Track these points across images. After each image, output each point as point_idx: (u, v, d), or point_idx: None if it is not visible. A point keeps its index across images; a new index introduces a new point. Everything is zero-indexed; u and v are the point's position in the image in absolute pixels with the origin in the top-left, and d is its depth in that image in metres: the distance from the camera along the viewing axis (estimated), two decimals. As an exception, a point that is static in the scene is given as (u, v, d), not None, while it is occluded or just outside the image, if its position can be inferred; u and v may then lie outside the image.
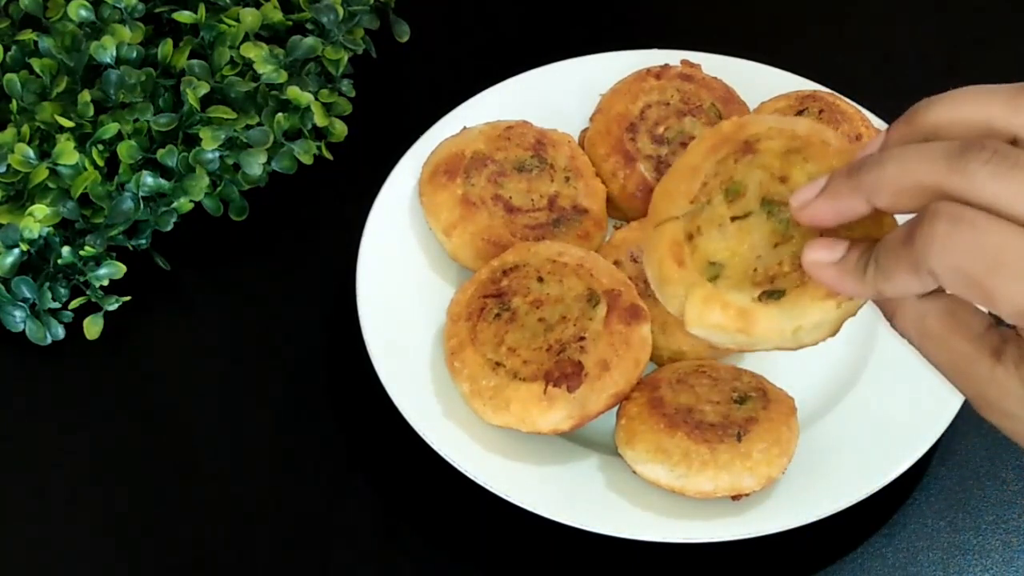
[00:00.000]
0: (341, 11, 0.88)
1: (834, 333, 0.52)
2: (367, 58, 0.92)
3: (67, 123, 0.80)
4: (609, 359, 0.70)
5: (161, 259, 0.83)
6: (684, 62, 0.86)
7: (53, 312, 0.79)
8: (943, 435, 0.72)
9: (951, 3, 1.01)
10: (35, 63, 0.83)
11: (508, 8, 1.00)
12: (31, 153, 0.79)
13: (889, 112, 0.84)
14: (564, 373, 0.69)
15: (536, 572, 0.72)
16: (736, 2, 1.02)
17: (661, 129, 0.83)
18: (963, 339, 0.47)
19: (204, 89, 0.82)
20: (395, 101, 0.93)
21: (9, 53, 0.84)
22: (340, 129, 0.88)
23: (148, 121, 0.81)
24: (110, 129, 0.80)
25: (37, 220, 0.78)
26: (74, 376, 0.79)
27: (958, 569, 0.72)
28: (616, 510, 0.69)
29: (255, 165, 0.82)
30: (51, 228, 0.79)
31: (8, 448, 0.76)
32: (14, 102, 0.82)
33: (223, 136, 0.81)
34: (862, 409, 0.74)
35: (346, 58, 0.88)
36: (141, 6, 0.86)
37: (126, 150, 0.80)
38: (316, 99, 0.85)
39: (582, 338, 0.70)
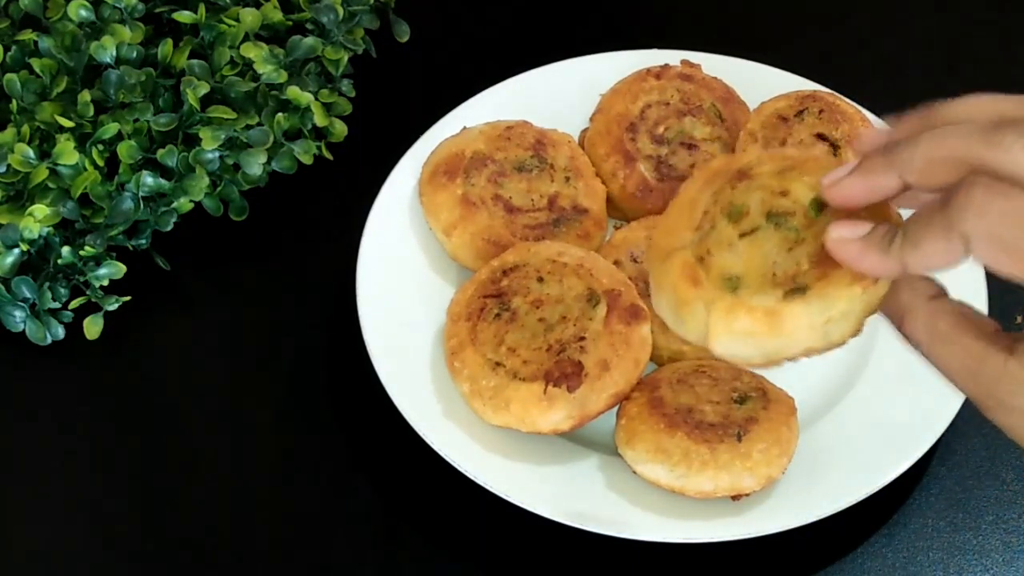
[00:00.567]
0: (341, 11, 0.88)
1: (859, 330, 0.51)
2: (367, 58, 0.92)
3: (67, 123, 0.80)
4: (609, 359, 0.70)
5: (161, 259, 0.83)
6: (684, 62, 0.86)
7: (53, 312, 0.79)
8: (943, 435, 0.72)
9: (951, 3, 1.01)
10: (35, 63, 0.83)
11: (508, 8, 1.00)
12: (31, 153, 0.79)
13: (889, 112, 0.84)
14: (564, 373, 0.69)
15: (536, 572, 0.72)
16: (736, 2, 1.02)
17: (661, 129, 0.83)
18: (974, 337, 0.48)
19: (204, 89, 0.82)
20: (395, 101, 0.93)
21: (9, 53, 0.84)
22: (340, 129, 0.88)
23: (148, 121, 0.81)
24: (110, 129, 0.80)
25: (37, 220, 0.78)
26: (74, 376, 0.79)
27: (958, 569, 0.72)
28: (616, 510, 0.69)
29: (255, 165, 0.82)
30: (51, 228, 0.79)
31: (8, 448, 0.76)
32: (14, 102, 0.82)
33: (223, 136, 0.81)
34: (862, 409, 0.74)
35: (346, 58, 0.88)
36: (141, 6, 0.86)
37: (126, 150, 0.80)
38: (316, 99, 0.85)
39: (582, 338, 0.70)
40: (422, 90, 0.94)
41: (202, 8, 0.85)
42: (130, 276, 0.80)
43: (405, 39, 0.94)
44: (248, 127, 0.83)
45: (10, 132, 0.80)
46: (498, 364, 0.71)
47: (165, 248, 0.83)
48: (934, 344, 0.49)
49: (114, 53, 0.82)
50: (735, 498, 0.69)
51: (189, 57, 0.85)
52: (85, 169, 0.79)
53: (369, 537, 0.73)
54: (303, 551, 0.72)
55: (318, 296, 0.83)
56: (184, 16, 0.85)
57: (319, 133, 0.87)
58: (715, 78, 0.85)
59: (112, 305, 0.80)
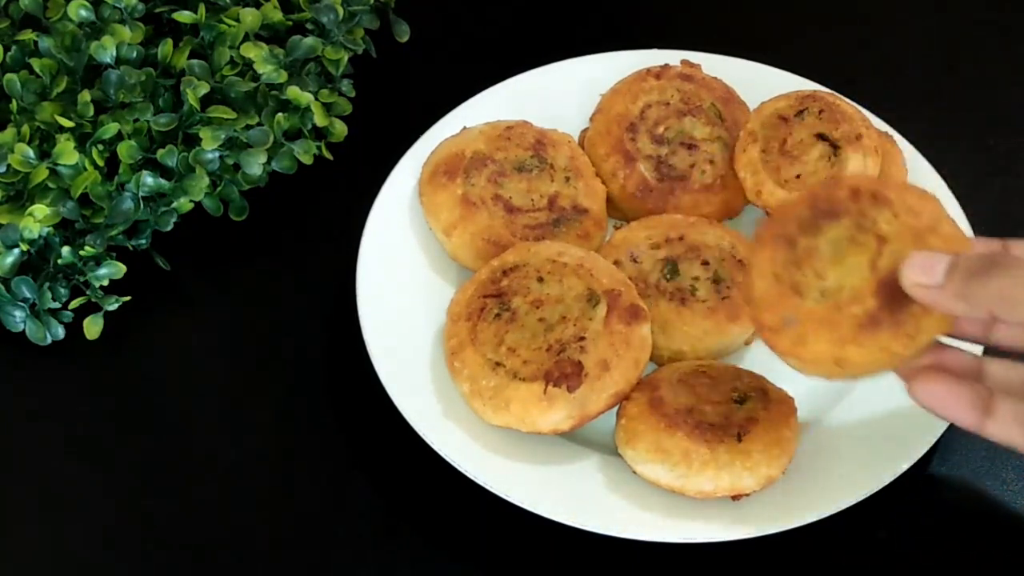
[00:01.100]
0: (341, 11, 0.88)
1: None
2: (367, 58, 0.92)
3: (67, 123, 0.80)
4: (609, 359, 0.70)
5: (161, 259, 0.83)
6: (684, 62, 0.86)
7: (53, 312, 0.79)
8: (943, 435, 0.72)
9: (951, 3, 1.02)
10: (35, 63, 0.83)
11: (508, 8, 1.00)
12: (31, 153, 0.79)
13: (889, 112, 0.85)
14: (564, 373, 0.69)
15: (536, 572, 0.72)
16: (736, 2, 1.02)
17: (661, 129, 0.83)
18: None
19: (204, 89, 0.82)
20: (395, 101, 0.93)
21: (9, 53, 0.84)
22: (340, 129, 0.88)
23: (148, 121, 0.81)
24: (110, 129, 0.80)
25: (37, 220, 0.78)
26: (74, 376, 0.79)
27: (958, 569, 0.72)
28: (616, 510, 0.69)
29: (255, 165, 0.82)
30: (51, 228, 0.79)
31: (8, 448, 0.76)
32: (14, 102, 0.82)
33: (223, 136, 0.81)
34: (862, 409, 0.74)
35: (346, 58, 0.88)
36: (141, 6, 0.86)
37: (126, 150, 0.80)
38: (316, 99, 0.85)
39: (582, 338, 0.70)
40: (422, 90, 0.94)
41: (202, 8, 0.85)
42: (130, 276, 0.80)
43: (405, 39, 0.94)
44: (248, 127, 0.83)
45: (10, 132, 0.80)
46: (498, 364, 0.71)
47: (165, 248, 0.83)
48: None
49: (114, 53, 0.82)
50: (735, 498, 0.69)
51: (189, 57, 0.85)
52: (85, 169, 0.79)
53: (369, 537, 0.73)
54: (303, 551, 0.72)
55: (318, 296, 0.83)
56: (184, 16, 0.85)
57: (319, 133, 0.87)
58: (715, 78, 0.85)
59: (112, 305, 0.80)
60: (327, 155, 0.87)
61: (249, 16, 0.86)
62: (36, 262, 0.80)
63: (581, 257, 0.74)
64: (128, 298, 0.80)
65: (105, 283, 0.79)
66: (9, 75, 0.82)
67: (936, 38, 0.99)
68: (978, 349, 0.70)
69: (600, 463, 0.72)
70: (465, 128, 0.83)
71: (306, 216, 0.87)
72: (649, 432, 0.69)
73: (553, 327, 0.71)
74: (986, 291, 0.58)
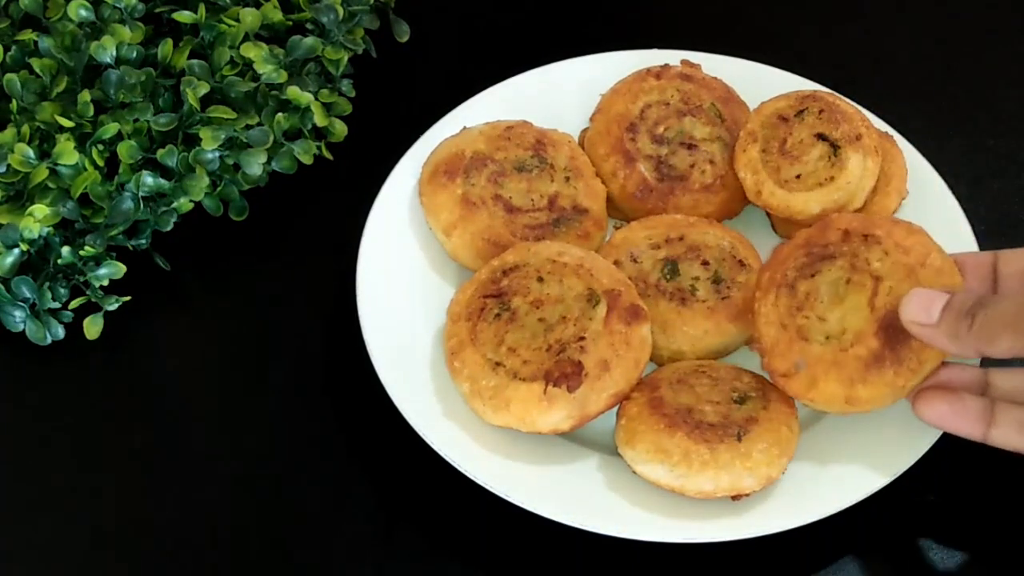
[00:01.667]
0: (341, 11, 0.88)
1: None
2: (367, 58, 0.92)
3: (67, 123, 0.80)
4: (609, 359, 0.70)
5: (161, 259, 0.83)
6: (684, 62, 0.86)
7: (53, 312, 0.79)
8: (943, 435, 0.72)
9: (951, 3, 1.02)
10: (35, 63, 0.83)
11: (508, 8, 1.00)
12: (31, 153, 0.79)
13: (889, 112, 0.85)
14: (564, 373, 0.69)
15: (536, 572, 0.72)
16: (736, 2, 1.02)
17: (661, 129, 0.83)
18: None
19: (204, 89, 0.82)
20: (395, 101, 0.93)
21: (9, 53, 0.84)
22: (340, 129, 0.88)
23: (148, 121, 0.81)
24: (110, 129, 0.80)
25: (37, 220, 0.78)
26: (74, 376, 0.79)
27: (958, 569, 0.72)
28: (616, 510, 0.69)
29: (255, 165, 0.82)
30: (51, 228, 0.79)
31: (8, 448, 0.76)
32: (14, 102, 0.82)
33: (223, 136, 0.81)
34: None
35: (346, 58, 0.88)
36: (141, 6, 0.86)
37: (126, 150, 0.80)
38: (316, 99, 0.85)
39: (582, 338, 0.70)
40: (422, 90, 0.94)
41: (202, 8, 0.85)
42: (130, 276, 0.80)
43: (405, 39, 0.94)
44: (248, 127, 0.83)
45: (10, 132, 0.80)
46: (498, 364, 0.71)
47: (165, 248, 0.83)
48: None
49: (114, 53, 0.82)
50: (735, 498, 0.69)
51: (189, 57, 0.85)
52: (85, 169, 0.79)
53: (369, 537, 0.73)
54: (303, 551, 0.72)
55: (318, 296, 0.83)
56: (184, 16, 0.85)
57: (319, 133, 0.87)
58: (715, 78, 0.85)
59: (112, 305, 0.80)
60: (327, 155, 0.87)
61: (249, 16, 0.86)
62: (36, 262, 0.80)
63: (581, 257, 0.74)
64: (128, 298, 0.80)
65: (105, 283, 0.79)
66: (9, 75, 0.82)
67: (936, 38, 0.99)
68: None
69: (600, 463, 0.72)
70: (465, 128, 0.83)
71: (306, 216, 0.87)
72: (649, 432, 0.69)
73: (553, 327, 0.71)
74: (971, 333, 0.63)
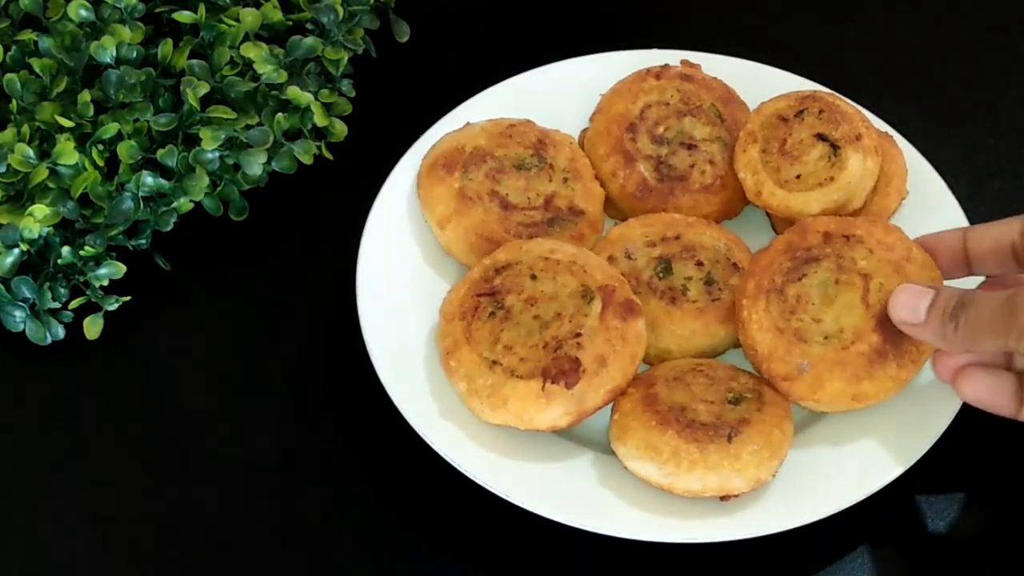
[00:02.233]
0: (341, 11, 0.88)
1: None
2: (367, 58, 0.92)
3: (67, 123, 0.80)
4: (606, 355, 0.70)
5: (161, 259, 0.83)
6: (684, 62, 0.86)
7: (53, 312, 0.79)
8: (943, 435, 0.72)
9: (951, 3, 1.01)
10: (35, 63, 0.83)
11: (508, 8, 1.00)
12: (31, 153, 0.79)
13: (888, 113, 0.85)
14: (561, 370, 0.69)
15: (536, 572, 0.72)
16: (736, 2, 1.02)
17: (661, 129, 0.83)
18: None
19: (204, 89, 0.82)
20: (395, 101, 0.93)
21: (9, 53, 0.84)
22: (340, 129, 0.88)
23: (148, 121, 0.81)
24: (110, 129, 0.80)
25: (37, 220, 0.78)
26: (74, 376, 0.79)
27: (959, 570, 0.72)
28: (611, 509, 0.69)
29: (255, 165, 0.82)
30: (51, 228, 0.79)
31: (8, 448, 0.76)
32: (14, 102, 0.82)
33: (223, 136, 0.81)
34: (859, 412, 0.73)
35: (346, 58, 0.88)
36: (141, 6, 0.86)
37: (126, 150, 0.80)
38: (316, 99, 0.85)
39: (578, 334, 0.70)
40: (422, 90, 0.94)
41: (202, 8, 0.85)
42: (130, 276, 0.80)
43: (405, 39, 0.94)
44: (248, 127, 0.83)
45: (10, 132, 0.80)
46: (495, 362, 0.71)
47: (165, 248, 0.83)
48: None
49: (114, 53, 0.82)
50: (723, 498, 0.69)
51: (189, 57, 0.85)
52: (85, 169, 0.79)
53: (369, 537, 0.73)
54: (303, 551, 0.72)
55: (318, 296, 0.83)
56: (184, 16, 0.85)
57: (319, 133, 0.87)
58: (715, 78, 0.85)
59: (112, 305, 0.80)
60: (327, 155, 0.87)
61: (249, 16, 0.86)
62: (36, 262, 0.80)
63: (573, 254, 0.74)
64: (128, 298, 0.80)
65: (105, 283, 0.79)
66: (9, 75, 0.82)
67: (936, 38, 0.99)
68: None
69: (594, 460, 0.72)
70: (468, 124, 0.83)
71: (306, 216, 0.87)
72: (641, 429, 0.69)
73: (548, 324, 0.71)
74: (957, 335, 0.66)
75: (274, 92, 0.85)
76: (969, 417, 0.72)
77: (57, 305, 0.79)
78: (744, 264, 0.77)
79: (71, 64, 0.83)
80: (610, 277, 0.73)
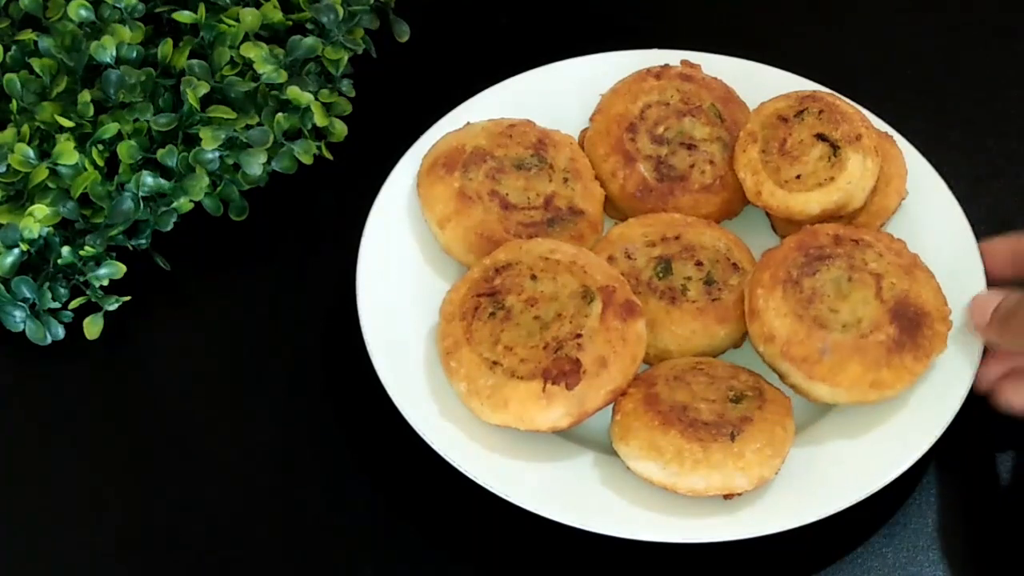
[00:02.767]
0: (341, 11, 0.88)
1: None
2: (367, 58, 0.92)
3: (67, 123, 0.80)
4: (607, 356, 0.70)
5: (161, 259, 0.83)
6: (684, 62, 0.86)
7: (53, 312, 0.79)
8: (943, 435, 0.72)
9: (951, 3, 1.01)
10: (35, 63, 0.83)
11: (508, 8, 1.00)
12: (31, 153, 0.79)
13: (889, 112, 0.85)
14: (562, 371, 0.69)
15: (538, 573, 0.72)
16: (736, 2, 1.02)
17: (661, 129, 0.83)
18: None
19: (204, 89, 0.82)
20: (395, 101, 0.93)
21: (9, 53, 0.84)
22: (340, 129, 0.88)
23: (148, 121, 0.81)
24: (110, 129, 0.80)
25: (37, 220, 0.78)
26: (74, 376, 0.79)
27: (958, 569, 0.72)
28: (614, 509, 0.69)
29: (255, 165, 0.82)
30: (51, 228, 0.79)
31: (8, 448, 0.76)
32: (14, 102, 0.82)
33: (223, 136, 0.81)
34: (860, 411, 0.73)
35: (346, 58, 0.88)
36: (141, 6, 0.86)
37: (126, 150, 0.80)
38: (316, 99, 0.85)
39: (579, 335, 0.70)
40: (422, 90, 0.94)
41: (202, 8, 0.85)
42: (130, 276, 0.80)
43: (405, 39, 0.94)
44: (248, 127, 0.83)
45: (10, 132, 0.80)
46: (495, 363, 0.70)
47: (165, 248, 0.83)
48: None
49: (114, 53, 0.82)
50: (727, 497, 0.69)
51: (189, 57, 0.85)
52: (85, 169, 0.79)
53: (369, 537, 0.73)
54: (303, 551, 0.72)
55: (318, 296, 0.83)
56: (184, 16, 0.85)
57: (319, 133, 0.87)
58: (715, 78, 0.85)
59: (112, 305, 0.80)
60: (327, 155, 0.87)
61: (249, 16, 0.86)
62: (36, 262, 0.80)
63: (574, 254, 0.74)
64: (128, 298, 0.80)
65: (105, 283, 0.79)
66: (9, 75, 0.82)
67: (936, 38, 0.99)
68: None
69: (595, 461, 0.72)
70: (468, 124, 0.83)
71: (306, 216, 0.87)
72: (643, 429, 0.69)
73: (549, 325, 0.71)
74: (1010, 332, 0.71)
75: (274, 92, 0.85)
76: (972, 416, 0.72)
77: (57, 305, 0.79)
78: (743, 264, 0.77)
79: (71, 64, 0.83)
80: (610, 278, 0.73)
